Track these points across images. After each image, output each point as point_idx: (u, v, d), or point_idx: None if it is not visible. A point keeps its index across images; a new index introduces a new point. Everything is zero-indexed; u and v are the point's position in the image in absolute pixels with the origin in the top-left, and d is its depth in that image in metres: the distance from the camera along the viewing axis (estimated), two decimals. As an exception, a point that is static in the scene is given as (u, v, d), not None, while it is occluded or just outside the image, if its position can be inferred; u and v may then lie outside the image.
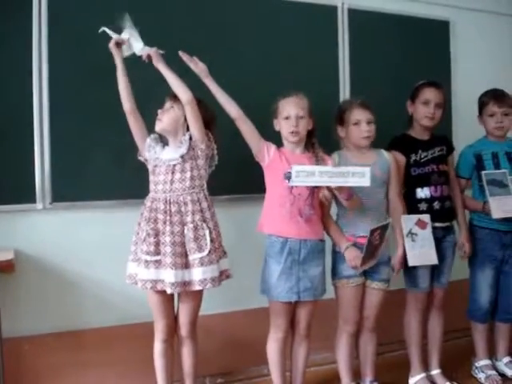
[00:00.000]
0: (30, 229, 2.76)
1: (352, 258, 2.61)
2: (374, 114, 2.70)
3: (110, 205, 2.88)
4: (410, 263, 2.74)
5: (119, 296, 2.86)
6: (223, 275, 2.52)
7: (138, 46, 2.46)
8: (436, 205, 2.85)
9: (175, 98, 2.44)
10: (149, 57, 2.45)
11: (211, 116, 2.55)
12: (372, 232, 2.47)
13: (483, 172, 2.90)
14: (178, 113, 2.47)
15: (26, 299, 2.76)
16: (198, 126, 2.44)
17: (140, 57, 2.47)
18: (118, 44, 2.47)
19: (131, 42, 2.47)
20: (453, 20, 3.74)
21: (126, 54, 2.50)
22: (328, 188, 2.52)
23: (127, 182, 2.84)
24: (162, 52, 2.46)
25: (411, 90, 2.94)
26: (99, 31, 2.44)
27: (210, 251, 2.42)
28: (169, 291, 2.38)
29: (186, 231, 2.42)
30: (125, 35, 2.46)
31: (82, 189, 2.82)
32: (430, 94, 2.87)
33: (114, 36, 2.46)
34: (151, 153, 2.52)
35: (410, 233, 2.74)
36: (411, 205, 2.86)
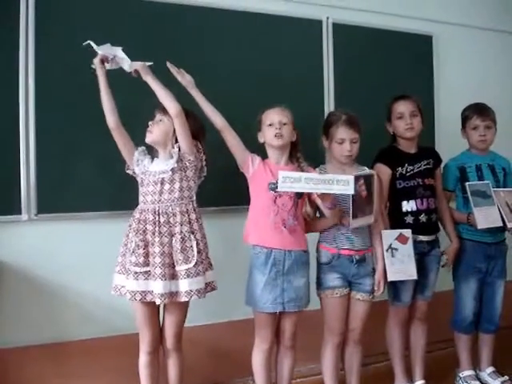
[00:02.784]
0: (14, 240, 2.76)
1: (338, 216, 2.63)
2: (360, 131, 2.70)
3: (95, 216, 2.88)
4: (390, 278, 2.73)
5: (104, 308, 2.86)
6: (208, 287, 2.52)
7: (126, 62, 2.45)
8: (422, 218, 2.86)
9: (165, 110, 2.44)
10: (137, 71, 2.45)
11: (200, 127, 2.57)
12: (356, 179, 2.45)
13: (467, 183, 2.91)
14: (168, 125, 2.48)
15: (10, 310, 2.74)
16: (186, 138, 2.45)
17: (130, 72, 2.47)
18: (102, 60, 2.47)
19: (118, 59, 2.45)
20: (436, 35, 3.79)
21: (110, 68, 2.49)
22: (310, 204, 2.58)
23: (113, 193, 2.86)
24: (149, 63, 2.46)
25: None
26: (84, 44, 2.44)
27: (196, 263, 2.42)
28: (158, 302, 2.38)
29: (173, 242, 2.42)
30: (110, 52, 2.45)
31: (68, 200, 2.82)
32: (401, 107, 2.91)
33: (100, 52, 2.45)
34: (140, 166, 2.53)
35: (390, 248, 2.74)
36: (397, 218, 2.88)
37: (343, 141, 2.67)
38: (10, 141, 2.72)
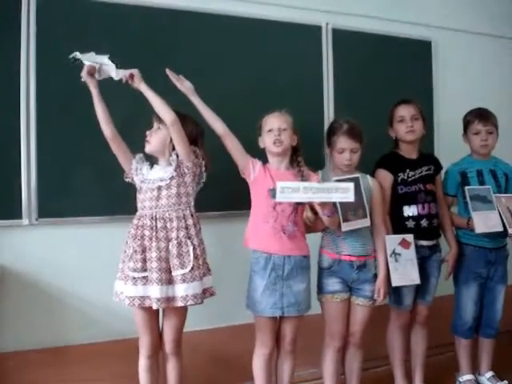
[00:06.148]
0: (15, 245, 2.76)
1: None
2: (362, 140, 2.71)
3: (96, 221, 2.88)
4: (394, 284, 2.74)
5: (104, 312, 2.86)
6: (207, 293, 2.52)
7: (113, 70, 2.44)
8: (423, 222, 2.87)
9: (161, 118, 2.46)
10: (131, 77, 2.43)
11: (198, 131, 2.57)
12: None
13: (467, 187, 2.92)
14: (165, 133, 2.48)
15: (11, 315, 2.74)
16: (183, 145, 2.45)
17: (120, 80, 2.45)
18: (91, 73, 2.45)
19: (104, 67, 2.44)
20: (435, 40, 3.80)
21: (100, 78, 2.48)
22: (311, 209, 2.58)
23: (114, 198, 2.86)
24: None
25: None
26: (69, 57, 2.43)
27: (192, 268, 2.42)
28: (154, 307, 2.38)
29: (170, 247, 2.43)
30: (96, 62, 2.44)
31: (69, 205, 2.82)
32: (402, 111, 2.92)
33: (87, 63, 2.43)
34: (139, 176, 2.53)
35: (394, 253, 2.75)
36: (398, 223, 2.88)
37: (343, 150, 2.69)
38: (11, 146, 2.73)
